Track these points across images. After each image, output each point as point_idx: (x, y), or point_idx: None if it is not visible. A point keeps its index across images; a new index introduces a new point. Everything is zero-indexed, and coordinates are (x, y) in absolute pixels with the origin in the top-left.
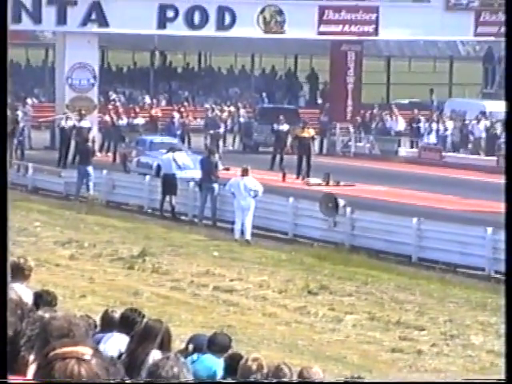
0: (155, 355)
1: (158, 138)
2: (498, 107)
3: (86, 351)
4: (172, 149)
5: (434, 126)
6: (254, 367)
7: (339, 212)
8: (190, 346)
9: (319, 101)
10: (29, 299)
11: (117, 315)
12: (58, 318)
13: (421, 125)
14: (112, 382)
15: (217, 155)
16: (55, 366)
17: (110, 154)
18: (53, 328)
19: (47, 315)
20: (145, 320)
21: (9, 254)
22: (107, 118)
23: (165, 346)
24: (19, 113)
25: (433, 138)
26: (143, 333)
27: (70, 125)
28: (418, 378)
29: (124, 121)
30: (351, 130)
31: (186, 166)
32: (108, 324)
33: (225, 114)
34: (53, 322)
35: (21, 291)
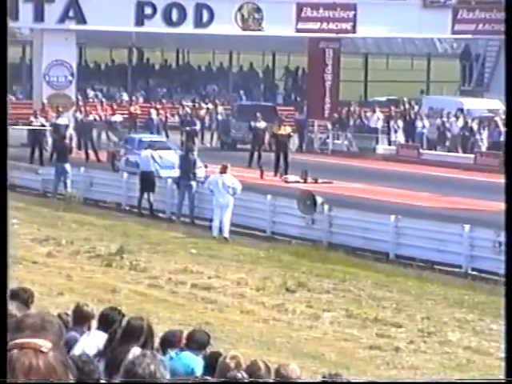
0: (135, 352)
1: (146, 137)
2: (476, 104)
3: (43, 343)
4: (150, 146)
5: (400, 123)
6: (233, 365)
7: (317, 209)
8: None
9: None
10: None
11: (88, 308)
12: (32, 316)
13: (399, 123)
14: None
15: (195, 152)
16: (13, 355)
17: (81, 152)
18: (26, 325)
19: (19, 313)
20: (126, 318)
21: (8, 255)
22: (77, 114)
23: (147, 343)
24: None
25: (400, 137)
26: (126, 332)
27: (41, 122)
28: (396, 375)
29: (90, 118)
30: (329, 127)
31: (174, 164)
32: (80, 318)
33: (202, 111)
34: (26, 320)
35: None
